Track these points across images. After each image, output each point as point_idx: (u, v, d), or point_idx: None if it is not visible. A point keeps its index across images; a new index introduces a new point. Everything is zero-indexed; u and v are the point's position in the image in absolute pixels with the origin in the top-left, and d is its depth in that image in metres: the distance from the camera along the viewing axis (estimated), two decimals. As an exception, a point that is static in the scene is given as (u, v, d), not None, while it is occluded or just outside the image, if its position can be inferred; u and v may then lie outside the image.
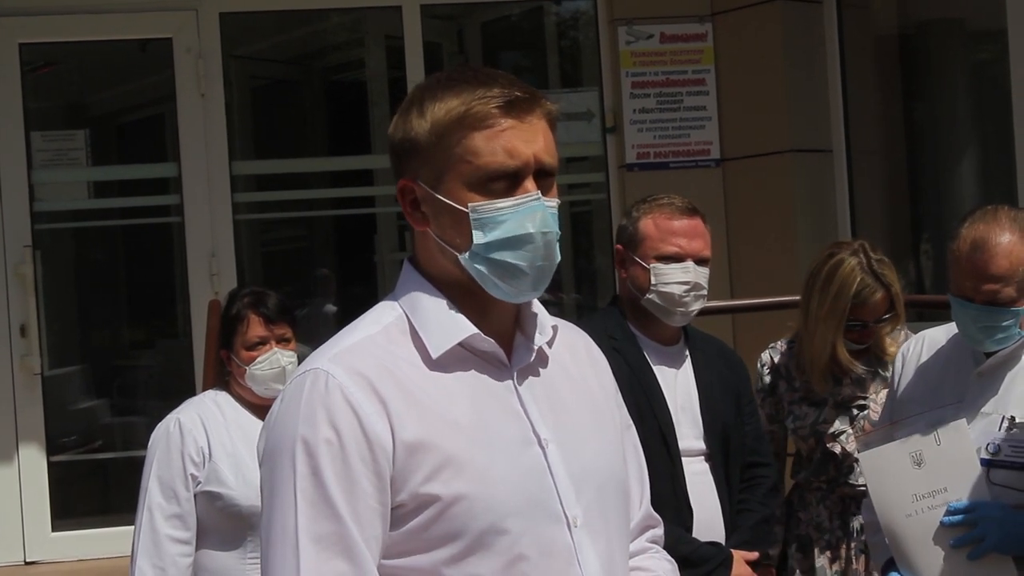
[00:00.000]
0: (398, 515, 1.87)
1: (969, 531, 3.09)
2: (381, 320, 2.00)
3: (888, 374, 3.87)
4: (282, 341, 3.82)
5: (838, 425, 3.95)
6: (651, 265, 3.54)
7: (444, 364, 1.95)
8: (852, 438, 3.92)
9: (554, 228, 1.97)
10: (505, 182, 1.94)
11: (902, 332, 4.01)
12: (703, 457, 3.61)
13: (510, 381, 2.00)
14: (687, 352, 3.69)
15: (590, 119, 7.08)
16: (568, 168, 7.70)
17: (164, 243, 7.35)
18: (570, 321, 2.24)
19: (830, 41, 6.90)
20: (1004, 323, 3.16)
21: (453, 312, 1.98)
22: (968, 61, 7.04)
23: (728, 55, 6.97)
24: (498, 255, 1.93)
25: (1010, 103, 6.11)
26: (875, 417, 3.86)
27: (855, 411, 3.96)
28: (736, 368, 3.81)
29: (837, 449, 3.94)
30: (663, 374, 3.61)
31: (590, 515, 1.99)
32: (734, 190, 6.87)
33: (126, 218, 7.48)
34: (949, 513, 3.12)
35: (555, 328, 2.09)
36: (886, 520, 3.23)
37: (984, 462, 3.16)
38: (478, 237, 1.93)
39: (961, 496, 3.13)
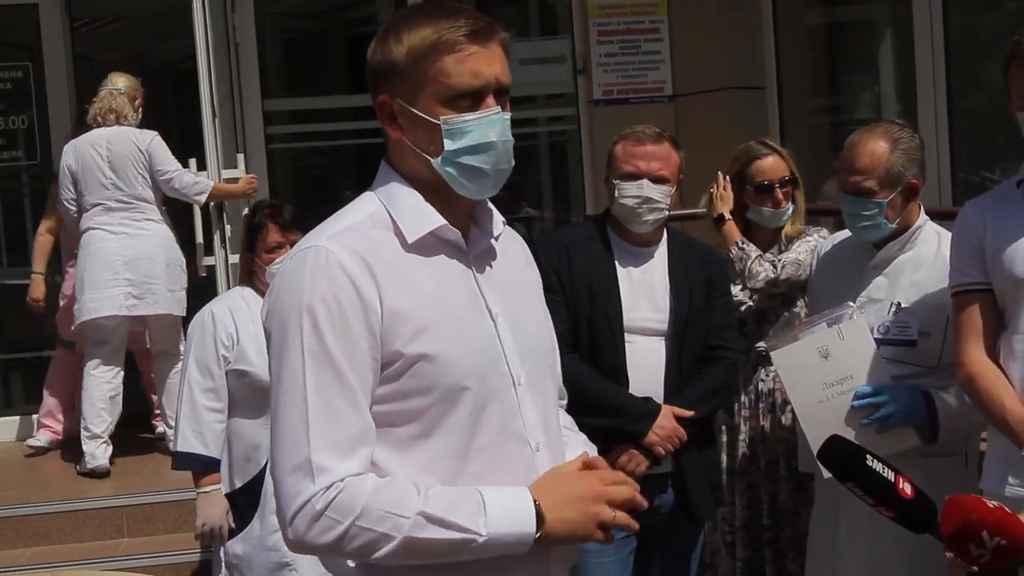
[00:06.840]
0: (383, 371, 1.87)
1: (876, 411, 3.08)
2: (365, 210, 1.96)
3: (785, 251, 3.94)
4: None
5: (737, 292, 3.96)
6: (615, 183, 3.52)
7: (417, 248, 1.93)
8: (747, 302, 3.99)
9: (510, 137, 1.94)
10: (471, 99, 1.90)
11: (821, 231, 3.99)
12: (661, 337, 3.52)
13: (468, 265, 1.99)
14: (666, 251, 3.60)
15: (563, 62, 7.09)
16: (545, 103, 7.66)
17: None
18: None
19: (765, -1, 6.95)
20: (865, 212, 3.18)
21: (425, 205, 1.95)
22: (881, 14, 7.00)
23: (679, 8, 6.96)
24: (465, 159, 1.90)
25: (913, 51, 6.13)
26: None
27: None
28: (711, 265, 3.63)
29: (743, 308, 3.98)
30: (630, 268, 3.55)
31: (531, 377, 1.99)
32: (684, 121, 6.82)
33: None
34: (857, 397, 3.10)
35: (504, 224, 2.07)
36: (801, 408, 3.19)
37: (876, 340, 3.18)
38: (448, 145, 1.90)
39: (865, 381, 3.12)
